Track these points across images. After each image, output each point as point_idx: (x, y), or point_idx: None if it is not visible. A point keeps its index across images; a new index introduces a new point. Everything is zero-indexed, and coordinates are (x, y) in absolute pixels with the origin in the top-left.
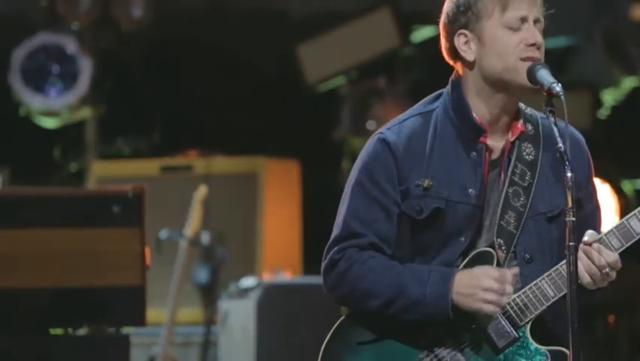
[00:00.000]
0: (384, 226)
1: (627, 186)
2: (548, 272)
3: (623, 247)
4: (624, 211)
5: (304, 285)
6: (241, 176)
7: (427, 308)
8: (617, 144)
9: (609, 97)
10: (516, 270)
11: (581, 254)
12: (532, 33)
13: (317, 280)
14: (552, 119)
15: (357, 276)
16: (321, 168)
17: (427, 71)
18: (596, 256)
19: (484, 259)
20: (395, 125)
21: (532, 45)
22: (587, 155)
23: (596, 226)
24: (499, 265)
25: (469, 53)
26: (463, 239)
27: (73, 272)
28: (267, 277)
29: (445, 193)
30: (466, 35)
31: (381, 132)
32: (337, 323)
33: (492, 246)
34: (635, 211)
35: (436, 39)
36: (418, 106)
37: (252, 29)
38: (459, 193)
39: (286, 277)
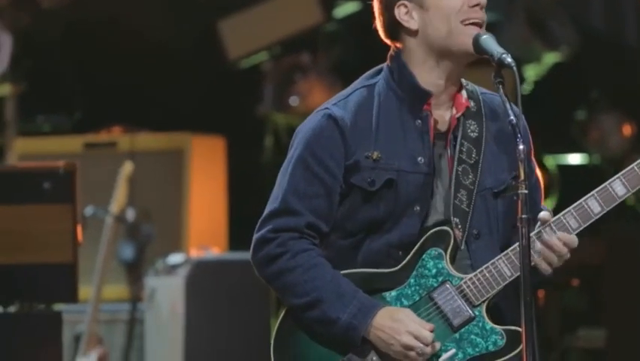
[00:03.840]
0: (324, 203)
1: (550, 161)
2: (505, 252)
3: (581, 228)
4: (548, 187)
5: (233, 261)
6: (166, 152)
7: (338, 331)
8: (539, 120)
9: (531, 72)
10: (432, 326)
11: (535, 242)
12: None
13: (246, 256)
14: (502, 90)
15: (284, 268)
16: (244, 144)
17: (350, 46)
18: (556, 243)
19: (441, 238)
20: (341, 100)
21: (476, 5)
22: (527, 129)
23: (539, 200)
24: (456, 243)
25: (411, 22)
26: (418, 208)
27: (4, 250)
28: (195, 254)
29: (395, 164)
30: (406, 6)
31: (326, 108)
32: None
33: (449, 224)
34: (593, 192)
35: (359, 14)
36: (360, 80)
37: (171, 5)
38: (409, 163)
39: (214, 253)
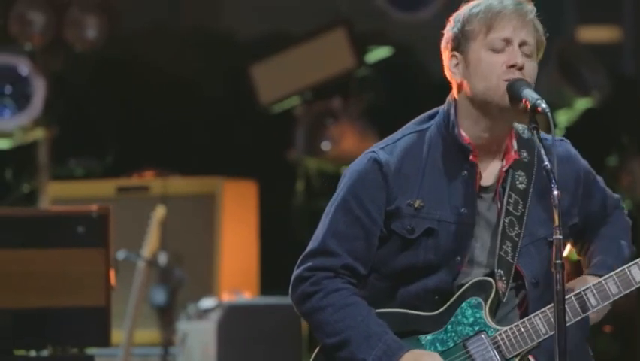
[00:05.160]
0: (362, 246)
1: None
2: (543, 309)
3: (621, 294)
4: None
5: (265, 305)
6: (198, 196)
7: None
8: None
9: (563, 118)
10: None
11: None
12: (514, 55)
13: (277, 300)
14: (536, 136)
15: (317, 306)
16: (275, 188)
17: (381, 91)
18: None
19: (482, 288)
20: (389, 145)
21: (512, 67)
22: (582, 171)
23: (610, 213)
24: (497, 295)
25: (457, 74)
26: (459, 259)
27: (38, 293)
28: (227, 298)
29: (437, 214)
30: (456, 57)
31: (373, 151)
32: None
33: (492, 275)
34: (638, 260)
35: (390, 59)
36: (412, 124)
37: (203, 50)
38: (451, 213)
39: (246, 297)
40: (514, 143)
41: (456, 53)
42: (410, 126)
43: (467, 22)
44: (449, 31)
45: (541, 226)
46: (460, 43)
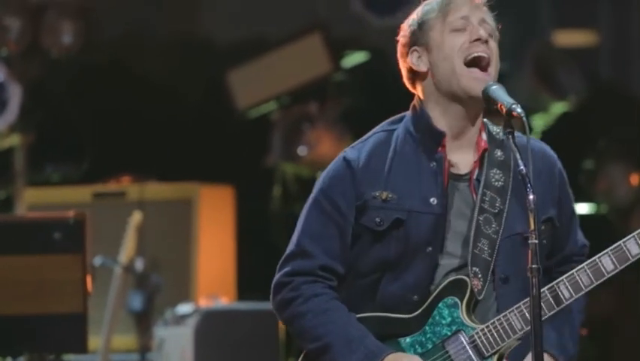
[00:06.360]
0: (337, 244)
1: None
2: (517, 304)
3: (593, 285)
4: None
5: (242, 311)
6: (175, 202)
7: None
8: None
9: (539, 122)
10: None
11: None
12: (476, 29)
13: (254, 305)
14: (512, 141)
15: (297, 313)
16: (252, 193)
17: (358, 96)
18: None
19: (458, 287)
20: (358, 144)
21: (477, 40)
22: (557, 171)
23: (574, 230)
24: (473, 293)
25: (421, 65)
26: (430, 249)
27: (14, 299)
28: (204, 304)
29: (407, 204)
30: (417, 51)
31: (344, 151)
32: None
33: (466, 273)
34: (608, 250)
35: (367, 64)
36: (382, 124)
37: (180, 55)
38: (421, 203)
39: (223, 303)
40: (484, 136)
41: (416, 47)
42: (381, 126)
43: (423, 16)
44: (404, 35)
45: (518, 221)
46: (418, 38)
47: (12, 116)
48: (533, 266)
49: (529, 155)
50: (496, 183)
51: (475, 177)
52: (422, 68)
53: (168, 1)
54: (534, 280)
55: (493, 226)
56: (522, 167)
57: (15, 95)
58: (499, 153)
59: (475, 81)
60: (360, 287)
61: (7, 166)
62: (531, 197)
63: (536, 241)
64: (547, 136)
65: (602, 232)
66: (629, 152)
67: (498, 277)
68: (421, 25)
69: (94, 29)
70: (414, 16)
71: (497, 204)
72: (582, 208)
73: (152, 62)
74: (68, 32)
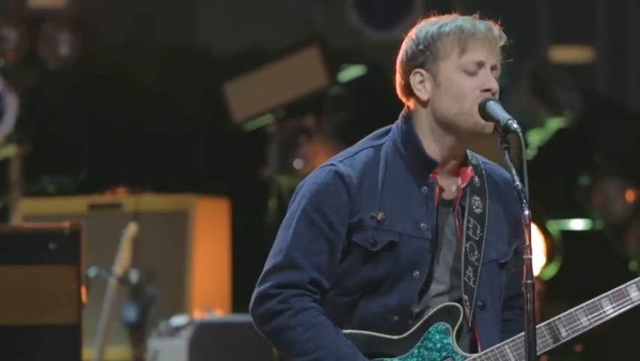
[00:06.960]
0: (326, 259)
1: (553, 226)
2: (512, 338)
3: (591, 326)
4: (551, 252)
5: (237, 323)
6: (171, 214)
7: None
8: (543, 185)
9: (535, 137)
10: None
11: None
12: (489, 79)
13: (248, 318)
14: (507, 156)
15: (286, 325)
16: (248, 206)
17: (355, 110)
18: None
19: (450, 313)
20: (348, 158)
21: (487, 91)
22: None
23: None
24: (464, 320)
25: (423, 92)
26: (417, 273)
27: (8, 310)
28: (199, 316)
29: (398, 227)
30: (422, 75)
31: (332, 164)
32: None
33: (454, 299)
34: (609, 293)
35: (363, 78)
36: (367, 140)
37: (177, 67)
38: (411, 228)
39: (218, 315)
40: (470, 163)
41: (422, 71)
42: (366, 141)
43: (436, 40)
44: (412, 47)
45: (494, 248)
46: (426, 61)
47: (8, 127)
48: (528, 281)
49: (525, 174)
50: (477, 210)
51: (459, 202)
52: (422, 95)
53: (165, 13)
54: (528, 295)
55: (476, 253)
56: (518, 182)
57: (11, 105)
58: (476, 179)
59: (487, 126)
60: (340, 304)
61: (2, 176)
62: (526, 212)
63: (531, 256)
64: (543, 152)
65: (598, 249)
66: (624, 168)
67: (476, 304)
68: (431, 49)
69: (91, 40)
70: (427, 32)
71: (478, 232)
72: (578, 224)
73: (149, 73)
74: (65, 43)
